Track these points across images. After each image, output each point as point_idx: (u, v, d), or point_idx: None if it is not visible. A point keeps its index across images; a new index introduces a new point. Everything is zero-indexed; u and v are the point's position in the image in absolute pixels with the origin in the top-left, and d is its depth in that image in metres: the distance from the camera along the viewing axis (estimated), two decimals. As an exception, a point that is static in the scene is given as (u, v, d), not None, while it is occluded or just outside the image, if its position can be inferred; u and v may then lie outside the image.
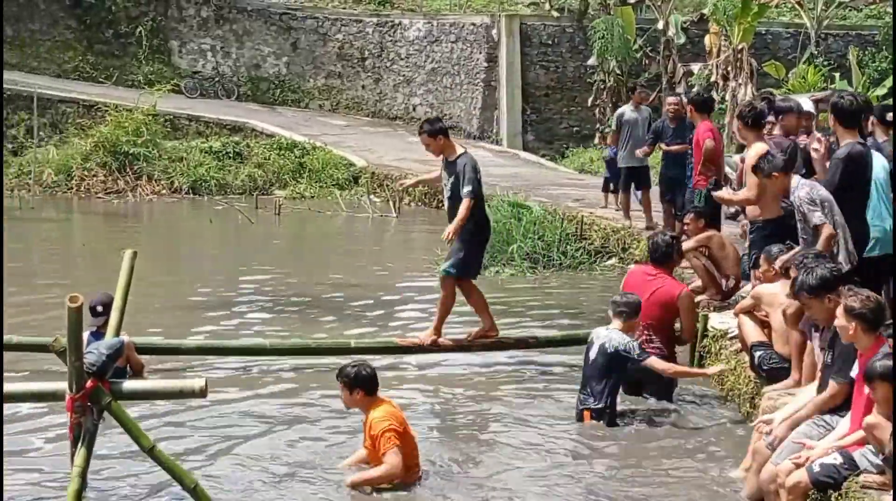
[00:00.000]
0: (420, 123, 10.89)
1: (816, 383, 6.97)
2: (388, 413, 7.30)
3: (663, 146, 14.36)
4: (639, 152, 15.29)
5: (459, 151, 10.43)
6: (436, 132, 10.41)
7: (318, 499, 7.25)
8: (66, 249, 19.48)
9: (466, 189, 10.03)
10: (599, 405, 8.55)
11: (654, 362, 8.79)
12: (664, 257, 9.69)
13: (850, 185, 8.35)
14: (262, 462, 7.85)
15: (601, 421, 8.54)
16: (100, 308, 9.13)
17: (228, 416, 8.98)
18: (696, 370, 9.23)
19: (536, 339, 11.01)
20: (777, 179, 8.62)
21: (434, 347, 10.53)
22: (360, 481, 7.24)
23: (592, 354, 8.68)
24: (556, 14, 30.59)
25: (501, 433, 8.63)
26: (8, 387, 7.38)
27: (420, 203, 23.68)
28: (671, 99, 14.97)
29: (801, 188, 8.30)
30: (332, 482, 7.43)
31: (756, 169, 8.88)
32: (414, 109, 31.81)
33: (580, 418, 8.62)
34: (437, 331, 10.48)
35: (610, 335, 8.71)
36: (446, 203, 10.43)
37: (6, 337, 10.20)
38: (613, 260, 15.82)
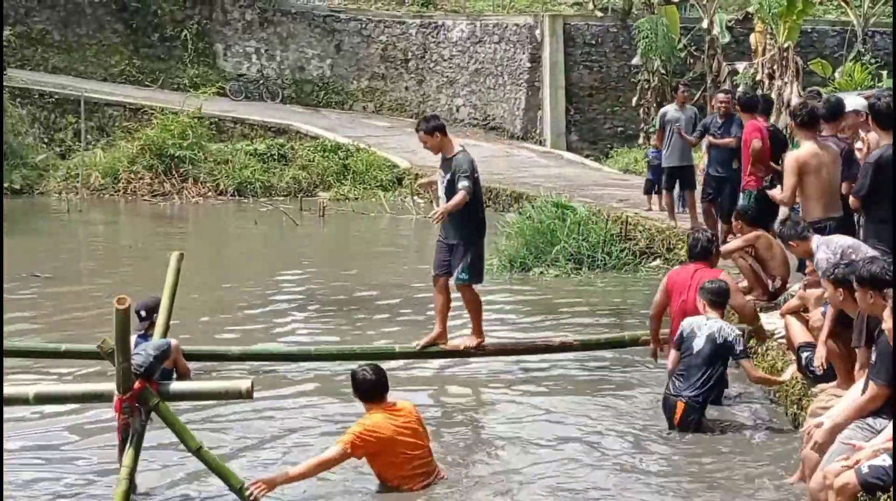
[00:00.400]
0: (417, 121, 10.80)
1: (861, 383, 6.87)
2: (369, 422, 7.16)
3: (710, 138, 14.28)
4: (685, 135, 15.15)
5: (457, 148, 10.36)
6: (432, 129, 10.34)
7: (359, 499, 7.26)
8: (113, 251, 19.64)
9: (462, 184, 9.97)
10: (698, 397, 8.42)
11: (748, 364, 8.74)
12: (704, 252, 9.55)
13: (878, 190, 8.28)
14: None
15: (691, 418, 8.40)
16: (143, 313, 9.18)
17: (273, 417, 9.01)
18: (775, 378, 9.06)
19: (581, 342, 10.91)
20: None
21: (479, 351, 10.50)
22: (283, 478, 7.09)
23: (698, 344, 8.50)
24: (599, 14, 30.54)
25: (542, 436, 8.55)
26: (58, 388, 7.49)
27: (464, 204, 23.63)
28: (721, 96, 14.86)
29: (819, 251, 8.35)
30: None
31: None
32: (457, 110, 31.83)
33: (671, 409, 8.45)
34: (479, 333, 10.45)
35: (720, 325, 8.60)
36: (442, 200, 10.28)
37: (54, 345, 10.31)
38: (658, 261, 15.72)
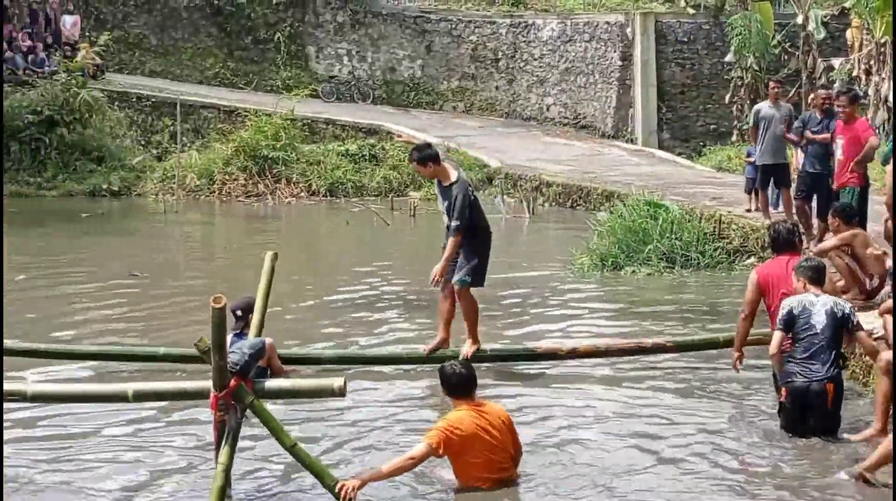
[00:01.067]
0: (411, 150, 10.61)
1: None
2: (455, 418, 7.22)
3: (808, 134, 14.06)
4: (790, 136, 14.91)
5: (453, 177, 10.22)
6: (424, 159, 10.20)
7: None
8: (209, 251, 19.95)
9: (453, 224, 9.98)
10: (839, 375, 8.18)
11: (864, 335, 8.42)
12: (788, 243, 9.18)
13: None
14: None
15: (841, 397, 8.17)
16: (239, 312, 9.32)
17: (362, 415, 9.07)
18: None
19: (675, 343, 10.73)
20: None
21: (571, 353, 10.42)
22: (371, 476, 7.14)
23: (819, 320, 8.17)
24: (691, 11, 30.25)
25: (633, 438, 8.48)
26: (156, 386, 7.62)
27: (553, 204, 23.61)
28: (821, 92, 14.63)
29: None
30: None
31: None
32: (548, 109, 31.75)
33: (819, 393, 8.06)
34: (476, 340, 10.34)
35: (834, 300, 8.34)
36: (445, 219, 10.31)
37: (153, 349, 10.48)
38: (753, 259, 15.51)
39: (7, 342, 10.56)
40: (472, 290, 10.35)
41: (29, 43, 30.75)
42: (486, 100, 32.92)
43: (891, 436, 7.04)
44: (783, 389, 8.28)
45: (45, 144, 27.15)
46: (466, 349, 10.29)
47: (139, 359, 10.33)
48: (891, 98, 21.63)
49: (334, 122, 29.69)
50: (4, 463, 7.32)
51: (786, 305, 8.36)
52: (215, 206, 25.50)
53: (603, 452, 8.12)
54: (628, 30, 29.53)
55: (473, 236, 10.22)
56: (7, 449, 7.88)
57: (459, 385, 7.35)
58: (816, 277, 8.49)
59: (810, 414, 8.16)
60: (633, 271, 15.32)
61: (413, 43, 33.36)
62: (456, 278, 10.21)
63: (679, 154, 28.11)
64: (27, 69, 30.12)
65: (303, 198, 26.09)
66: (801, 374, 8.17)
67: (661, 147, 28.79)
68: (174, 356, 10.18)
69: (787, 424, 8.29)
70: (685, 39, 29.46)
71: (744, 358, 9.13)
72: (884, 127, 21.33)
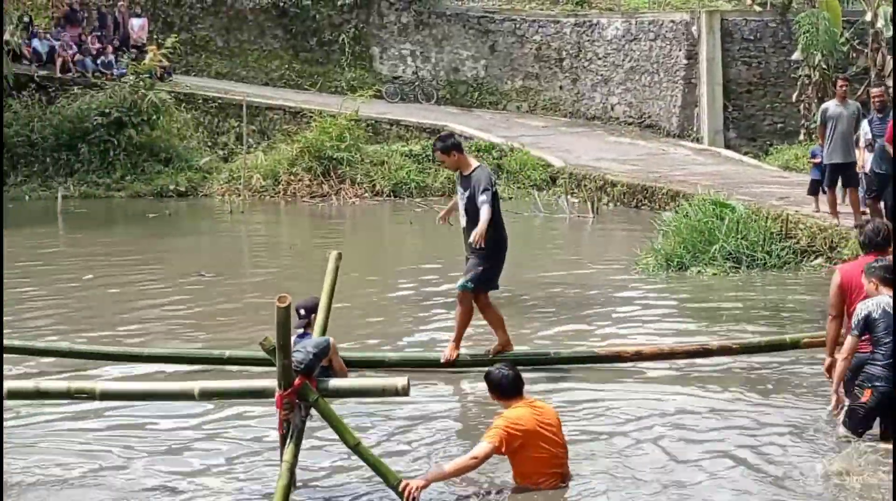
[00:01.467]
0: (434, 140, 10.55)
1: None
2: (512, 415, 7.23)
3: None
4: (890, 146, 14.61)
5: (474, 164, 10.23)
6: (448, 148, 10.17)
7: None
8: (274, 251, 20.09)
9: (482, 198, 9.84)
10: None
11: None
12: (886, 242, 8.87)
13: None
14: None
15: None
16: (303, 311, 9.38)
17: (425, 414, 9.08)
18: None
19: (741, 345, 10.57)
20: None
21: (636, 355, 10.32)
22: (434, 476, 7.12)
23: None
24: (758, 9, 29.94)
25: (698, 441, 8.40)
26: (222, 384, 7.69)
27: (618, 203, 23.49)
28: (875, 90, 14.42)
29: None
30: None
31: None
32: (612, 109, 31.60)
33: None
34: (457, 346, 10.24)
35: None
36: (462, 219, 10.23)
37: (218, 352, 10.53)
38: (820, 260, 15.34)
39: (76, 346, 10.77)
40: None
41: (98, 46, 31.23)
42: (550, 99, 32.83)
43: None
44: (867, 390, 8.02)
45: (114, 145, 27.56)
46: (447, 353, 10.23)
47: (204, 362, 10.38)
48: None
49: (398, 122, 29.80)
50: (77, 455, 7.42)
51: (862, 308, 8.06)
52: (280, 206, 25.69)
53: (664, 452, 8.05)
54: (694, 28, 29.30)
55: (496, 243, 10.14)
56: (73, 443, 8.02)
57: (510, 387, 7.39)
58: (889, 276, 8.15)
59: (886, 419, 7.99)
60: (699, 272, 15.20)
61: (477, 43, 33.36)
62: (460, 281, 10.16)
63: (745, 153, 27.83)
64: (96, 72, 30.59)
65: (366, 198, 26.21)
66: (887, 379, 7.89)
67: (727, 146, 28.52)
68: (239, 359, 10.24)
69: (860, 425, 8.10)
70: (751, 37, 29.15)
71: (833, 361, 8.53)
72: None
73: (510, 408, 7.33)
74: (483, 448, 7.11)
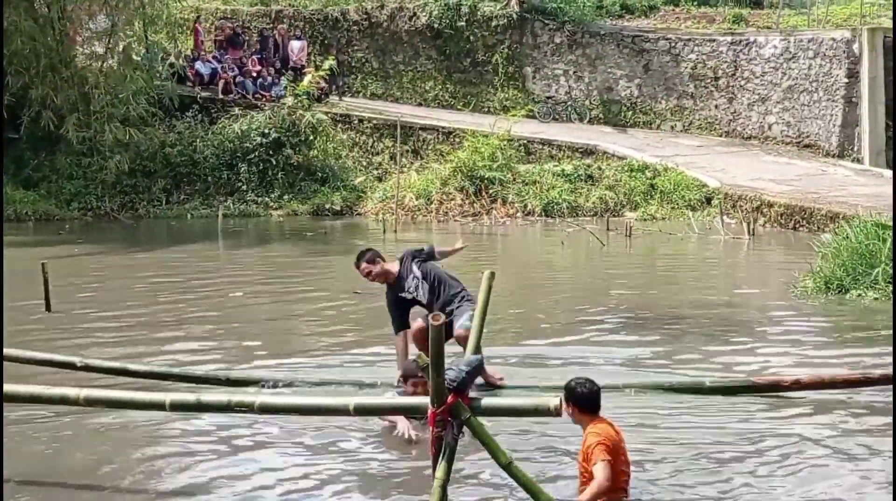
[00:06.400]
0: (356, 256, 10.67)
1: None
2: (601, 430, 7.25)
3: None
4: None
5: (396, 265, 10.50)
6: (372, 259, 10.53)
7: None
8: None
9: (459, 299, 10.16)
10: None
11: None
12: None
13: None
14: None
15: None
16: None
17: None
18: None
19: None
20: None
21: (795, 385, 10.03)
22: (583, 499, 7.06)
23: None
24: (923, 25, 29.01)
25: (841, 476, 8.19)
26: (376, 400, 7.82)
27: (775, 225, 23.01)
28: None
29: None
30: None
31: None
32: (769, 128, 30.98)
33: None
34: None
35: None
36: (428, 300, 10.31)
37: (371, 381, 10.56)
38: None
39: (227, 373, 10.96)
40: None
41: (258, 68, 32.10)
42: (705, 119, 32.38)
43: None
44: None
45: (272, 165, 28.25)
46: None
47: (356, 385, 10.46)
48: None
49: (550, 142, 29.78)
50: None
51: None
52: (433, 225, 25.93)
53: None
54: (855, 46, 28.55)
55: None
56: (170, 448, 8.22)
57: (590, 401, 7.40)
58: None
59: None
60: (859, 295, 14.79)
61: (631, 62, 33.14)
62: (461, 322, 9.93)
63: (910, 174, 26.96)
64: (256, 93, 31.44)
65: (518, 218, 26.26)
66: None
67: (889, 167, 27.66)
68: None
69: None
70: (916, 55, 28.27)
71: None
72: None
73: (594, 425, 7.30)
74: (602, 471, 7.07)
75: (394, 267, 10.57)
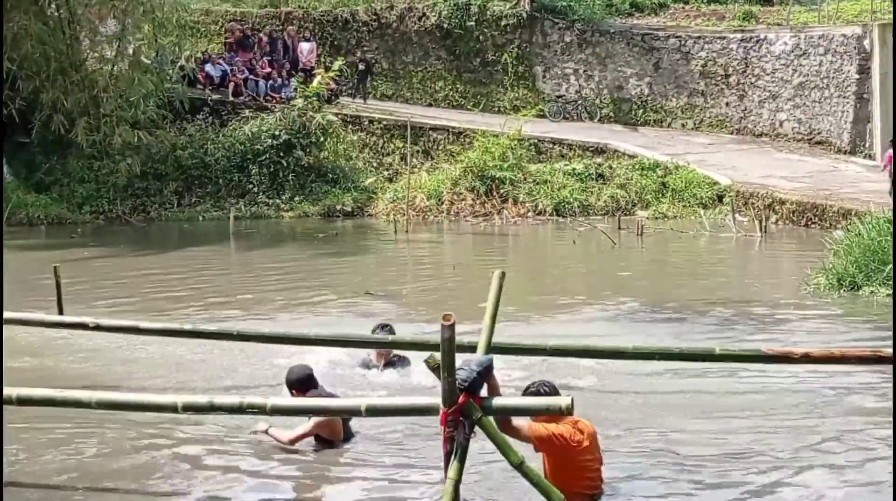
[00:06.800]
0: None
1: None
2: (555, 427, 7.20)
3: None
4: None
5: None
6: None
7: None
8: (438, 269, 20.27)
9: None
10: None
11: None
12: None
13: None
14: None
15: None
16: (284, 390, 9.30)
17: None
18: None
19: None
20: None
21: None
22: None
23: None
24: (934, 20, 28.89)
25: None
26: (387, 401, 7.81)
27: (787, 222, 22.96)
28: None
29: None
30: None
31: None
32: (780, 125, 30.91)
33: None
34: None
35: None
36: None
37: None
38: None
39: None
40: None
41: (268, 70, 32.11)
42: (716, 116, 32.31)
43: None
44: None
45: (283, 166, 28.25)
46: None
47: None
48: None
49: (561, 141, 29.75)
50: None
51: None
52: (444, 225, 25.92)
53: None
54: (866, 42, 28.46)
55: None
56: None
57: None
58: None
59: None
60: (872, 292, 14.74)
61: (641, 60, 33.08)
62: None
63: (922, 170, 26.85)
64: (266, 95, 31.46)
65: (529, 217, 26.24)
66: None
67: (902, 163, 27.58)
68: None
69: None
70: (928, 50, 28.16)
71: None
72: None
73: (555, 424, 7.28)
74: (529, 428, 7.17)
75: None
